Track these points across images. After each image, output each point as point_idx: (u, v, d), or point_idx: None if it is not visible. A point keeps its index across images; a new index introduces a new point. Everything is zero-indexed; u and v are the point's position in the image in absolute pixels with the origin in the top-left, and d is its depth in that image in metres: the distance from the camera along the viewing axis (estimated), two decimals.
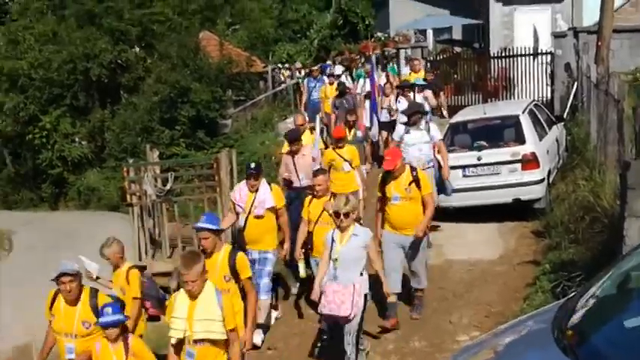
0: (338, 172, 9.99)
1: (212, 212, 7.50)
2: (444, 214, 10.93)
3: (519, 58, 18.13)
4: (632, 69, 15.92)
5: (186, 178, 14.58)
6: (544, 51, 17.90)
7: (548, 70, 17.25)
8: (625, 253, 5.47)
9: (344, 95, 15.18)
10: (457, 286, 9.18)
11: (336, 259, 6.86)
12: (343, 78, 17.95)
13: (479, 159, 11.03)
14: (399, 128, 10.44)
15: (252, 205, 8.27)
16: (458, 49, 23.12)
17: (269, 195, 8.28)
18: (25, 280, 12.58)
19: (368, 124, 15.16)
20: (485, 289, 8.99)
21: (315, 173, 8.44)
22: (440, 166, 10.16)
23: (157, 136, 21.33)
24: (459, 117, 12.57)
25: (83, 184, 23.63)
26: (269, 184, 8.44)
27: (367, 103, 15.61)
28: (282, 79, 28.45)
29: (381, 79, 16.87)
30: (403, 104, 13.05)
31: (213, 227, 6.78)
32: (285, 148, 14.65)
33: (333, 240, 6.95)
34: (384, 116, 14.82)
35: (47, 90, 24.49)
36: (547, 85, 17.27)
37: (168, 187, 12.11)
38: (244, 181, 8.51)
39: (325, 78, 17.94)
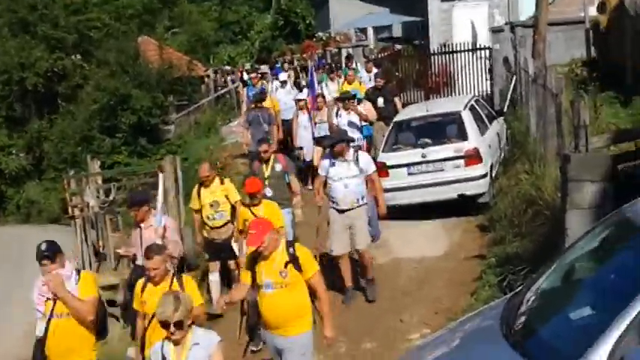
0: None
1: None
2: (391, 213, 10.97)
3: (459, 54, 18.34)
4: (568, 61, 16.26)
5: (130, 187, 14.33)
6: (482, 46, 18.14)
7: (487, 65, 17.48)
8: (568, 246, 5.55)
9: (261, 106, 13.36)
10: (406, 284, 9.21)
11: None
12: (289, 86, 16.20)
13: (423, 156, 11.09)
14: (324, 161, 8.80)
15: (53, 307, 5.86)
16: (399, 47, 23.28)
17: (74, 286, 5.91)
18: None
19: (301, 144, 13.67)
20: (433, 285, 9.03)
21: (148, 253, 5.99)
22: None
23: (97, 145, 21.03)
24: (402, 115, 12.62)
25: (22, 197, 23.19)
26: (78, 271, 6.14)
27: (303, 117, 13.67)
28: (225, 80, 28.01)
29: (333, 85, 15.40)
30: (344, 119, 12.07)
31: None
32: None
33: (164, 357, 4.88)
34: (317, 132, 13.24)
35: None
36: (486, 79, 17.51)
37: (111, 197, 11.90)
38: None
39: (274, 84, 16.40)
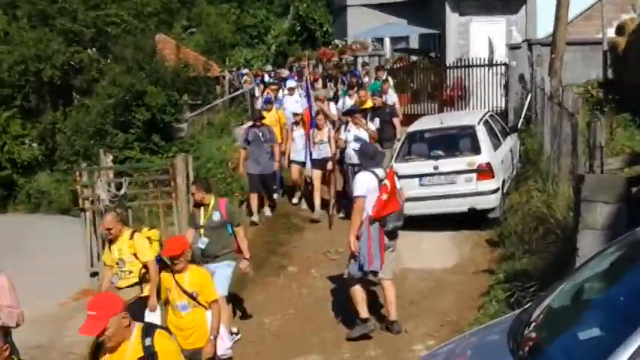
0: (175, 312, 6.66)
1: None
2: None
3: (475, 69, 18.36)
4: (584, 81, 16.27)
5: (141, 183, 14.39)
6: (499, 62, 18.16)
7: (503, 81, 17.50)
8: (578, 265, 5.56)
9: (259, 124, 12.27)
10: (413, 295, 9.21)
11: None
12: (297, 94, 15.24)
13: (435, 168, 11.11)
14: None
15: None
16: (414, 58, 23.33)
17: None
18: None
19: (299, 158, 12.75)
20: (440, 297, 9.04)
21: None
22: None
23: (110, 139, 21.12)
24: (416, 126, 12.65)
25: (33, 187, 23.30)
26: None
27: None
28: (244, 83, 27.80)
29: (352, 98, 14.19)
30: (352, 134, 11.61)
31: None
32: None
33: None
34: (317, 153, 12.28)
35: None
36: (501, 95, 17.52)
37: (122, 192, 11.93)
38: None
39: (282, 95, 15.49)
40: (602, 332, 4.18)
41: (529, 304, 5.20)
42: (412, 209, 10.87)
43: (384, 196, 7.68)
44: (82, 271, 12.14)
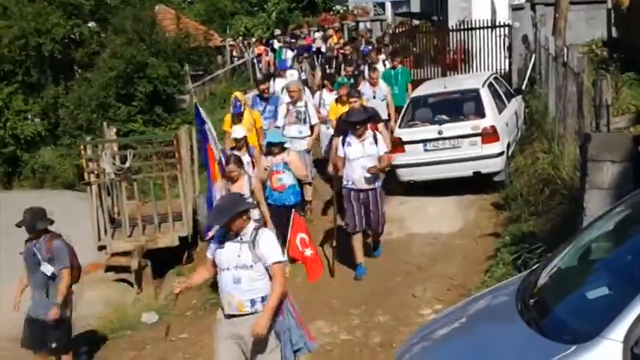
0: None
1: None
2: (406, 188, 11.03)
3: (477, 31, 18.14)
4: (588, 41, 16.09)
5: (145, 156, 14.37)
6: (502, 23, 17.96)
7: (506, 43, 17.32)
8: (585, 225, 5.54)
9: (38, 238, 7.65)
10: (419, 260, 9.23)
11: None
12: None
13: (440, 133, 11.04)
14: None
15: None
16: (416, 22, 23.11)
17: None
18: None
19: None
20: (447, 262, 9.05)
21: None
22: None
23: (113, 113, 21.10)
24: (419, 91, 12.56)
25: (37, 162, 23.33)
26: None
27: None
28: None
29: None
30: (355, 148, 8.55)
31: None
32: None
33: None
34: None
35: None
36: (505, 57, 17.35)
37: (127, 164, 11.92)
38: None
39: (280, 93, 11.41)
40: (611, 291, 4.18)
41: (536, 266, 5.19)
42: (417, 174, 10.91)
43: None
44: (89, 245, 12.15)
